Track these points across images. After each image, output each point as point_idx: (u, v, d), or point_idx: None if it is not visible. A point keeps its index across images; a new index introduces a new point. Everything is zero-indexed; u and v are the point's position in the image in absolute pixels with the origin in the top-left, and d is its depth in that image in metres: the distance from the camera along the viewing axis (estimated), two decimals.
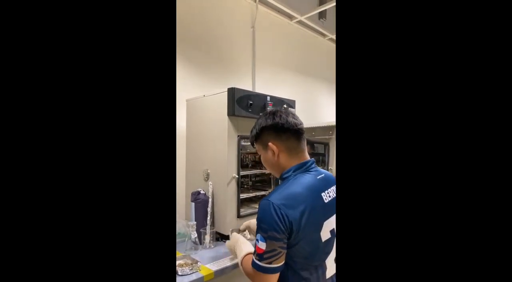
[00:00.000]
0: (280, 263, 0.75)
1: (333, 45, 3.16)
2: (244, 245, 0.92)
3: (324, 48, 3.09)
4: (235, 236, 1.00)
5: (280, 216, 0.72)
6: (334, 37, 3.02)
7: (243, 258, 0.87)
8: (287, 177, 0.83)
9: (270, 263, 0.74)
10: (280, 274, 0.77)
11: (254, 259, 0.76)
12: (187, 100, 1.60)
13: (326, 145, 1.88)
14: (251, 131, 0.91)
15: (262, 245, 0.74)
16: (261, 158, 0.91)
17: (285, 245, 0.74)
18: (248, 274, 0.82)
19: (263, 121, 0.86)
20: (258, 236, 0.75)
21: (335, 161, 1.78)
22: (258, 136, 0.88)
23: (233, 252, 0.98)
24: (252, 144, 0.93)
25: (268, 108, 1.39)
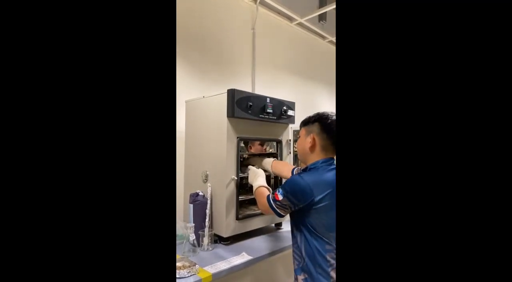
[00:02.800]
0: (284, 213, 1.03)
1: (333, 48, 3.17)
2: (260, 178, 1.23)
3: (324, 50, 3.09)
4: (254, 170, 1.30)
5: (303, 189, 0.93)
6: (334, 39, 3.03)
7: (257, 188, 1.18)
8: (315, 167, 1.01)
9: (278, 208, 1.01)
10: (304, 238, 0.97)
11: (270, 197, 1.04)
12: (186, 102, 1.60)
13: None
14: (307, 117, 1.10)
15: (280, 197, 0.99)
16: (299, 141, 1.11)
17: (294, 208, 0.98)
18: (259, 200, 1.13)
19: (318, 116, 1.06)
20: (281, 190, 1.00)
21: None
22: (309, 123, 1.07)
23: (251, 179, 1.28)
24: (300, 126, 1.12)
25: (268, 109, 1.39)
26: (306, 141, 1.05)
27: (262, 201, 1.10)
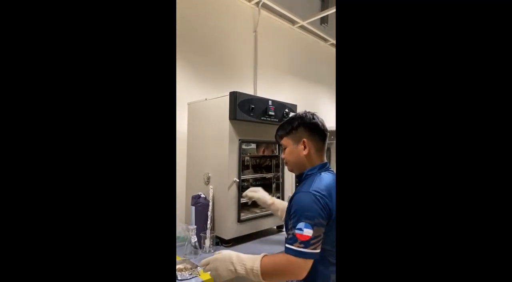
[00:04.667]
0: (319, 249, 0.79)
1: (335, 50, 3.17)
2: (246, 256, 0.85)
3: (326, 53, 3.10)
4: (221, 257, 0.86)
5: (323, 205, 0.79)
6: (335, 42, 3.03)
7: (261, 261, 0.81)
8: (313, 173, 0.90)
9: (315, 248, 0.78)
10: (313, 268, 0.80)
11: (297, 248, 0.77)
12: (188, 104, 1.61)
13: (327, 150, 1.87)
14: (282, 125, 0.99)
15: (309, 232, 0.77)
16: (287, 151, 0.96)
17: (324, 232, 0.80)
18: (281, 269, 0.79)
19: (302, 119, 0.94)
20: (302, 224, 0.77)
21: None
22: (293, 130, 0.94)
23: (232, 272, 0.84)
24: (281, 137, 0.98)
25: (269, 112, 1.40)
26: (298, 149, 0.93)
27: (287, 267, 0.78)
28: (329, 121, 3.31)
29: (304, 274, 0.78)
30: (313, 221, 0.77)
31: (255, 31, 2.30)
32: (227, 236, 1.31)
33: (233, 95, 1.28)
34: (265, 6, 2.31)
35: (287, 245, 0.80)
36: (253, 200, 1.29)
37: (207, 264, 0.86)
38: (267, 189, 1.69)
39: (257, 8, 2.28)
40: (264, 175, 1.61)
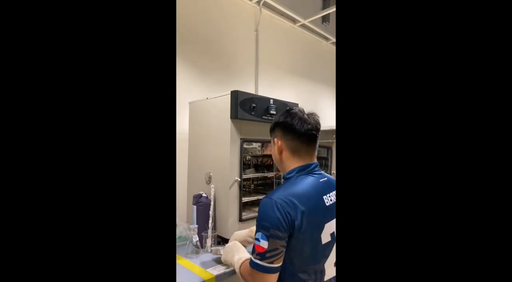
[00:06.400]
0: (280, 263, 0.74)
1: None
2: (241, 252, 0.91)
3: (327, 51, 3.09)
4: (229, 246, 0.98)
5: (284, 214, 0.72)
6: None
7: (242, 264, 0.85)
8: (290, 177, 0.84)
9: (271, 262, 0.72)
10: (278, 276, 0.75)
11: (254, 259, 0.74)
12: (190, 103, 1.60)
13: (329, 149, 1.87)
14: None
15: (264, 244, 0.72)
16: (271, 151, 0.94)
17: (285, 244, 0.74)
18: (245, 278, 0.81)
19: (277, 117, 0.89)
20: (259, 234, 0.73)
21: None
22: (272, 130, 0.91)
23: (229, 262, 0.94)
24: (270, 136, 0.95)
25: (271, 111, 1.39)
26: (274, 149, 0.89)
27: (244, 274, 0.81)
28: (331, 119, 3.32)
29: None
30: (269, 232, 0.72)
31: (256, 30, 2.29)
32: (228, 236, 1.31)
33: (235, 94, 1.27)
34: (266, 5, 2.30)
35: (250, 258, 0.78)
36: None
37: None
38: (268, 188, 1.69)
39: (258, 7, 2.27)
40: (265, 174, 1.61)
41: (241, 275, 0.84)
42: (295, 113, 0.86)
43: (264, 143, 1.64)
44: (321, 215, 0.79)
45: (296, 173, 0.84)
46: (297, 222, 0.72)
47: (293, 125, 0.83)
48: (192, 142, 1.59)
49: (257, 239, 0.74)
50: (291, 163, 0.86)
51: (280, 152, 0.87)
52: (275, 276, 0.74)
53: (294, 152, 0.85)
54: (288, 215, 0.72)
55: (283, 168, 0.88)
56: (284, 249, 0.74)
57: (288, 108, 0.90)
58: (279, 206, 0.73)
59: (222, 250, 1.03)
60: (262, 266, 0.73)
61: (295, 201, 0.74)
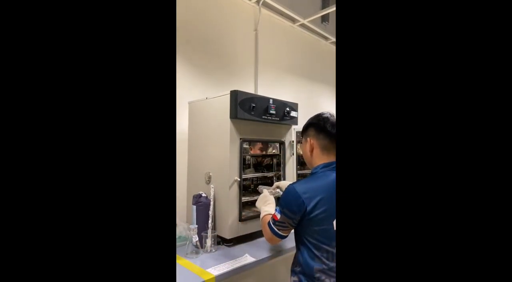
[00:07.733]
0: (286, 234, 1.00)
1: None
2: (270, 206, 1.16)
3: (327, 51, 3.09)
4: (265, 195, 1.23)
5: (299, 201, 0.92)
6: None
7: (264, 216, 1.12)
8: (316, 172, 1.01)
9: (279, 230, 0.99)
10: (297, 249, 1.00)
11: (270, 221, 1.02)
12: (189, 103, 1.60)
13: None
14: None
15: (277, 216, 0.98)
16: (302, 148, 1.13)
17: (293, 224, 0.96)
18: (263, 229, 1.07)
19: (310, 119, 1.08)
20: (277, 208, 1.00)
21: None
22: (305, 130, 1.09)
23: (259, 204, 1.22)
24: (301, 134, 1.14)
25: (270, 111, 1.39)
26: (306, 147, 1.07)
27: (265, 229, 1.05)
28: None
29: (270, 243, 1.08)
30: (283, 209, 0.96)
31: (255, 30, 2.29)
32: (228, 235, 1.31)
33: (234, 94, 1.27)
34: (265, 5, 2.30)
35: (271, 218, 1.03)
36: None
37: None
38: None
39: (257, 7, 2.27)
40: (265, 174, 1.61)
41: (261, 222, 1.12)
42: (327, 117, 1.03)
43: (258, 143, 1.64)
44: (335, 205, 0.89)
45: (321, 168, 1.00)
46: (309, 207, 0.91)
47: (325, 127, 1.01)
48: (191, 142, 1.59)
49: (276, 210, 1.01)
50: (319, 160, 1.03)
51: (311, 150, 1.04)
52: (278, 240, 1.01)
53: (324, 150, 1.02)
54: (302, 203, 0.91)
55: (311, 163, 1.06)
56: (291, 226, 0.98)
57: (320, 112, 1.08)
58: (297, 194, 0.92)
59: (260, 196, 1.26)
60: (272, 228, 1.00)
61: (312, 193, 0.92)
